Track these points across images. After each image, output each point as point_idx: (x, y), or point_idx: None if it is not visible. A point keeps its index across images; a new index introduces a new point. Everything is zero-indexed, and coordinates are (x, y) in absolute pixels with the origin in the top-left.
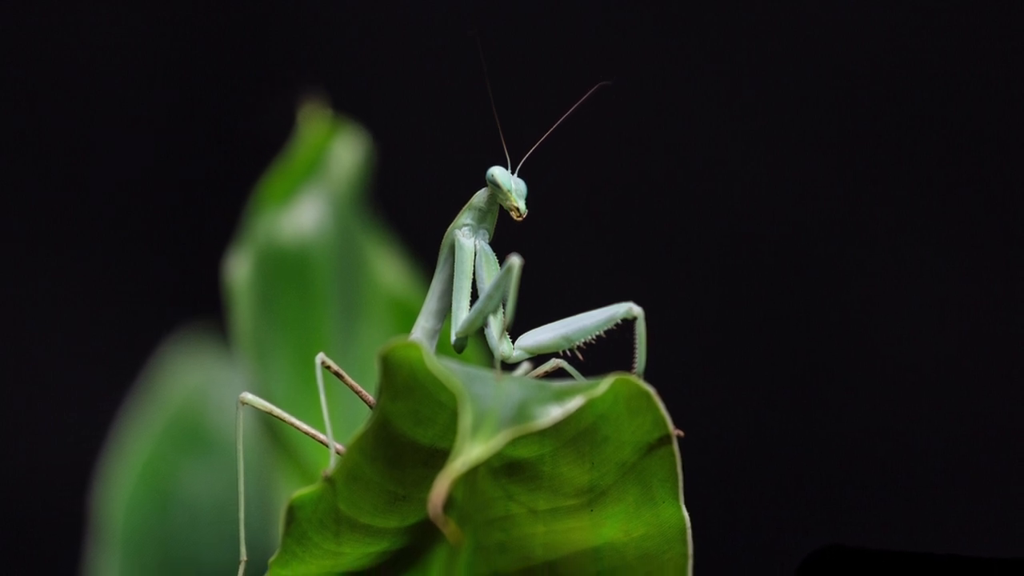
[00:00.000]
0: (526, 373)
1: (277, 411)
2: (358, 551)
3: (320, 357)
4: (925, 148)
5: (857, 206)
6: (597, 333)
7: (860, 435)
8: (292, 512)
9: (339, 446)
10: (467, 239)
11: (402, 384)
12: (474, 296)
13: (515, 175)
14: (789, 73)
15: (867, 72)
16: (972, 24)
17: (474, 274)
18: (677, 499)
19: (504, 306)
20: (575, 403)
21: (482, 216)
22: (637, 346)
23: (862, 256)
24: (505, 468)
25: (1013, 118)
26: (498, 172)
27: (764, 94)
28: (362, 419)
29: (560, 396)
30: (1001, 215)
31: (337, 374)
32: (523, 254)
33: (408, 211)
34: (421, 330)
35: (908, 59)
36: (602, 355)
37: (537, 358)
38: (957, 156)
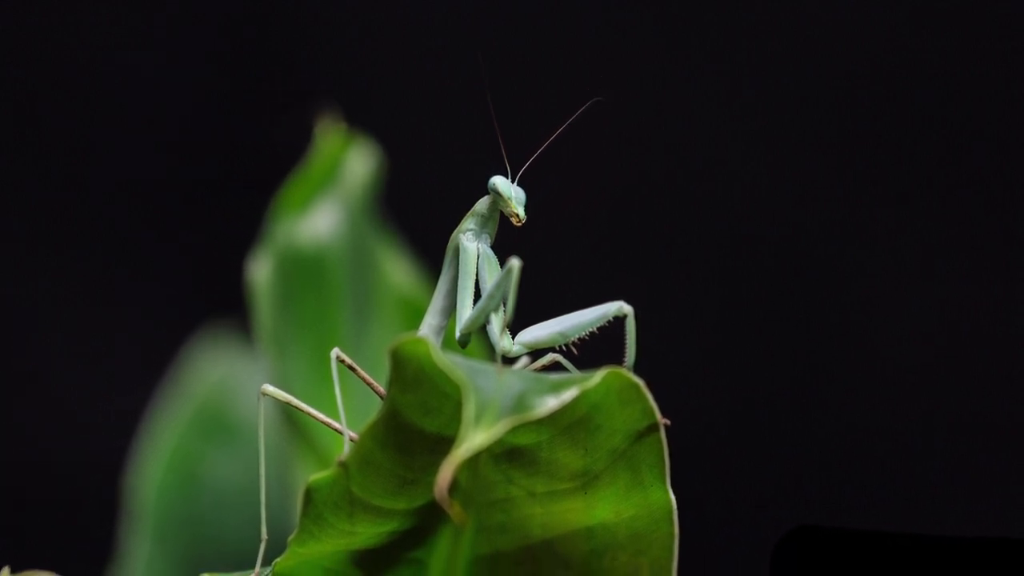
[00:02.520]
0: (525, 366)
1: (296, 402)
2: (370, 531)
3: (335, 352)
4: (925, 148)
5: (857, 206)
6: (590, 329)
7: (857, 434)
8: (309, 495)
9: (353, 434)
10: (470, 243)
11: (411, 377)
12: (477, 295)
13: (515, 183)
14: (789, 73)
15: (867, 72)
16: (972, 24)
17: (477, 275)
18: (664, 483)
19: (505, 305)
20: (570, 394)
21: (484, 222)
22: (628, 341)
23: (862, 256)
24: (506, 454)
25: (1013, 118)
26: (499, 181)
27: (764, 94)
28: (374, 409)
29: (556, 388)
30: (1001, 215)
31: (351, 368)
32: (522, 257)
33: (416, 217)
34: (428, 327)
35: (908, 59)
36: (595, 350)
37: (535, 352)
38: (957, 156)
